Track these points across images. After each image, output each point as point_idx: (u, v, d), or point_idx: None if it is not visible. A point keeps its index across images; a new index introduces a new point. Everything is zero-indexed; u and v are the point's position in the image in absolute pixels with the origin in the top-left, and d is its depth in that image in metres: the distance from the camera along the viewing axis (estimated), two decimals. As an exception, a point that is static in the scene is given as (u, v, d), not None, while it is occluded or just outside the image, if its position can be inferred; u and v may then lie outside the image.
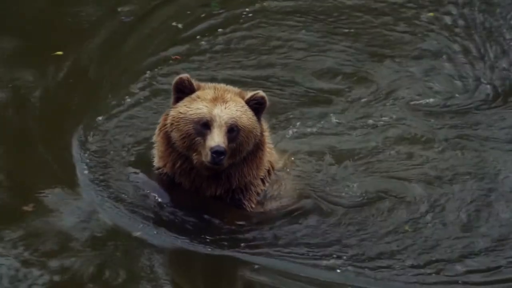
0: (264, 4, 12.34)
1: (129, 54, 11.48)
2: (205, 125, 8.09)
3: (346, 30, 12.03)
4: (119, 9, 12.18)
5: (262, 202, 8.68)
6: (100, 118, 9.91)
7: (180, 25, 11.94)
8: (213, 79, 10.41)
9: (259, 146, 8.41)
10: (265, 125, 8.76)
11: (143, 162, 9.02)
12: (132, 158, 9.23)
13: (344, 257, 8.42)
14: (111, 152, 9.33)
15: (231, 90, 8.34)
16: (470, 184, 9.39)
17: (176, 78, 8.28)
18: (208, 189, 8.44)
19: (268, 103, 8.36)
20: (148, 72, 10.99)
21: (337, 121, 10.24)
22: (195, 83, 8.32)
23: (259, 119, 8.35)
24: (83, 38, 11.64)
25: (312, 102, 10.63)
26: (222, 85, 8.43)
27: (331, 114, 10.32)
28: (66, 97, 10.54)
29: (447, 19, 12.38)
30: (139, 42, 11.69)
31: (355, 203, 9.02)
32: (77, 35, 11.69)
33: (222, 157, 7.99)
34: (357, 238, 8.65)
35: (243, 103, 8.27)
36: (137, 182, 8.87)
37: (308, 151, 9.54)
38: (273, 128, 9.77)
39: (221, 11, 12.18)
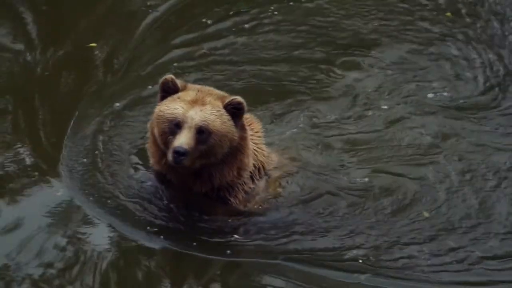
0: (290, 2, 12.49)
1: (156, 47, 11.72)
2: (177, 125, 8.28)
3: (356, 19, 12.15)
4: (148, 3, 12.43)
5: (249, 200, 8.83)
6: (118, 104, 10.26)
7: (209, 21, 12.15)
8: (238, 73, 10.76)
9: (238, 149, 8.55)
10: (258, 126, 9.01)
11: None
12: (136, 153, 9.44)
13: (365, 248, 8.54)
14: (117, 144, 9.60)
15: (214, 94, 8.51)
16: (484, 173, 9.42)
17: (162, 78, 8.50)
18: (194, 186, 8.66)
19: (246, 108, 8.46)
20: (175, 64, 11.24)
21: (346, 112, 10.37)
22: (181, 83, 8.52)
23: (237, 124, 8.48)
24: (114, 30, 11.96)
25: (319, 93, 10.75)
26: (208, 88, 8.60)
27: (339, 106, 10.46)
28: (89, 87, 10.81)
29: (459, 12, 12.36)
30: (166, 36, 11.94)
31: (366, 191, 9.12)
32: (107, 27, 12.03)
33: (182, 157, 8.18)
34: (374, 227, 8.76)
35: (220, 107, 8.40)
36: (136, 178, 9.08)
37: (316, 142, 9.68)
38: (280, 116, 10.06)
39: (248, 9, 12.34)
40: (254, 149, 8.90)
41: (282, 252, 8.52)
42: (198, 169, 8.48)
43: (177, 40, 11.81)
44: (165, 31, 12.03)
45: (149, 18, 12.22)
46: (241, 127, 8.52)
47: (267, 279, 8.34)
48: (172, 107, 8.35)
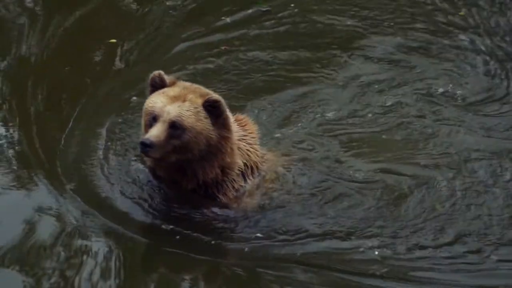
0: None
1: (176, 45, 11.80)
2: (154, 119, 8.42)
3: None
4: (167, 3, 12.59)
5: (241, 197, 8.86)
6: (135, 98, 10.38)
7: (228, 19, 12.24)
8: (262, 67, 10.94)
9: (218, 148, 8.59)
10: (253, 127, 9.05)
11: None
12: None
13: (379, 240, 8.51)
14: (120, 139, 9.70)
15: (198, 91, 8.58)
16: (495, 168, 9.31)
17: (151, 74, 8.64)
18: (182, 182, 8.73)
19: (222, 107, 8.46)
20: (192, 60, 11.36)
21: (349, 109, 10.34)
22: (170, 79, 8.64)
23: (215, 122, 8.52)
24: (133, 27, 12.10)
25: (322, 90, 10.72)
26: (195, 86, 8.68)
27: (342, 103, 10.42)
28: (107, 82, 10.99)
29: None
30: (186, 34, 12.02)
31: (372, 190, 9.06)
32: (126, 24, 12.19)
33: (147, 149, 8.27)
34: (385, 227, 8.70)
35: (199, 104, 8.47)
36: (138, 176, 9.11)
37: (319, 141, 9.68)
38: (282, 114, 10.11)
39: (268, 8, 12.41)
40: (247, 149, 8.95)
41: (297, 253, 8.49)
42: (179, 165, 8.56)
43: (190, 34, 11.92)
44: (177, 25, 12.17)
45: (159, 11, 12.40)
46: (221, 126, 8.55)
47: (277, 282, 8.29)
48: (154, 101, 8.49)
